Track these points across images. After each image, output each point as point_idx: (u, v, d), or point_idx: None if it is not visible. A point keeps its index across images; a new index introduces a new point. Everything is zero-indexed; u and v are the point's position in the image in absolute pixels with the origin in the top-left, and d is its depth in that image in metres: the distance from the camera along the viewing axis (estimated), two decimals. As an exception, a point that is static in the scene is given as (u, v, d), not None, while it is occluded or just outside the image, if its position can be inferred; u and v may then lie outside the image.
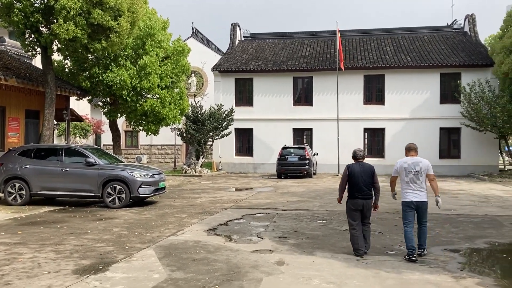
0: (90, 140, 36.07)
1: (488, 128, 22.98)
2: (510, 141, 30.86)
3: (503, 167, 26.45)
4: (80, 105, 30.14)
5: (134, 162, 29.62)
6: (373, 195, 7.10)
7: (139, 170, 12.45)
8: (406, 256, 6.66)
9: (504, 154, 27.44)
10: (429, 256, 6.87)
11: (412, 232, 6.74)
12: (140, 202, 12.56)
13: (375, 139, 26.58)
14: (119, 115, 21.17)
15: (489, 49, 26.34)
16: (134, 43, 19.68)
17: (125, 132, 36.54)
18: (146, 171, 12.63)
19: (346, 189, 7.19)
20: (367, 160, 7.95)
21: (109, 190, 11.94)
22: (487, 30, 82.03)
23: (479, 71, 25.20)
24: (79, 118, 23.68)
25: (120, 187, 11.92)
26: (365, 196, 7.00)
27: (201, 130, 23.84)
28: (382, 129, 26.26)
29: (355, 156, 7.29)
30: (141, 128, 21.89)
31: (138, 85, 19.31)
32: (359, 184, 6.99)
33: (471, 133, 24.80)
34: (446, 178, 22.53)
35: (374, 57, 26.98)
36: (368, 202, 7.04)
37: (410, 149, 7.18)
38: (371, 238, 7.23)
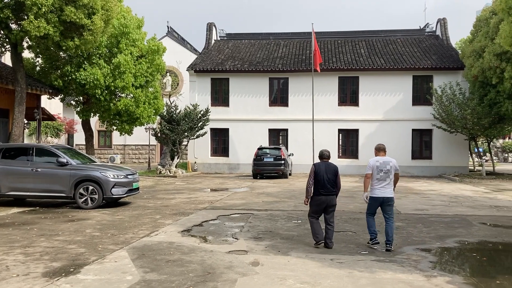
0: (62, 140, 35.38)
1: (459, 129, 23.53)
2: (480, 142, 31.68)
3: (472, 168, 27.12)
4: (52, 104, 29.52)
5: (107, 162, 29.20)
6: (336, 192, 7.62)
7: (113, 171, 12.27)
8: (370, 241, 7.46)
9: (473, 155, 28.13)
10: (401, 255, 6.98)
11: (374, 221, 7.57)
12: (113, 203, 12.37)
13: (349, 140, 26.89)
14: (92, 114, 20.82)
15: (459, 52, 26.98)
16: (108, 42, 19.39)
17: (98, 131, 35.98)
18: (120, 171, 12.45)
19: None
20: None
21: (81, 190, 11.72)
22: (458, 34, 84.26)
23: (450, 74, 25.80)
24: (50, 117, 23.19)
25: (92, 187, 11.72)
26: (328, 193, 7.49)
27: (176, 130, 23.66)
28: (356, 130, 26.59)
29: (321, 155, 7.78)
30: (115, 127, 21.60)
31: (112, 84, 19.03)
32: (323, 182, 7.45)
33: (442, 135, 25.36)
34: (418, 179, 22.98)
35: (348, 59, 27.30)
36: (331, 198, 7.52)
37: (380, 149, 7.74)
38: (343, 238, 7.39)
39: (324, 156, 7.74)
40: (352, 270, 6.14)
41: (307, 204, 7.78)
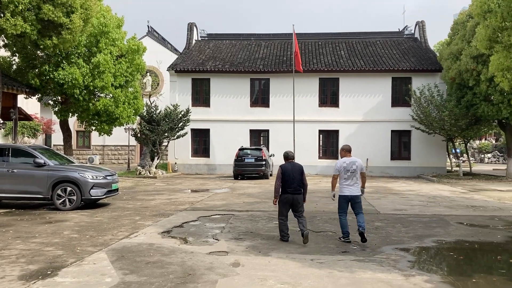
0: (39, 140, 34.76)
1: (437, 131, 23.91)
2: (457, 143, 32.25)
3: (450, 168, 27.59)
4: (29, 104, 28.96)
5: (86, 163, 28.81)
6: (303, 190, 8.05)
7: (91, 171, 12.11)
8: (342, 238, 7.93)
9: (451, 156, 28.62)
10: (381, 255, 7.06)
11: (346, 220, 8.02)
12: (92, 204, 12.22)
13: (329, 141, 27.07)
14: (70, 114, 20.51)
15: (437, 55, 27.45)
16: (87, 41, 19.14)
17: (77, 132, 35.49)
18: (99, 172, 12.29)
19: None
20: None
21: (59, 192, 11.54)
22: (436, 37, 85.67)
23: (429, 76, 26.21)
24: (27, 117, 22.74)
25: (71, 188, 11.55)
26: (295, 192, 7.91)
27: (156, 130, 23.47)
28: (337, 131, 26.79)
29: (287, 156, 8.28)
30: (94, 128, 21.32)
31: (91, 83, 18.78)
32: (290, 181, 7.88)
33: (420, 136, 25.74)
34: (397, 179, 23.29)
35: (329, 61, 27.50)
36: (298, 197, 7.93)
37: (346, 150, 8.24)
38: (323, 238, 7.45)
39: (289, 157, 8.23)
40: (332, 270, 6.19)
41: (275, 204, 8.18)
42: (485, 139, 49.29)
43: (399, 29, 32.78)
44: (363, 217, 8.02)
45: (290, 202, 7.91)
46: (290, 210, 8.05)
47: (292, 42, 26.26)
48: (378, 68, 26.34)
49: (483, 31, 13.36)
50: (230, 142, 26.27)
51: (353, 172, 7.90)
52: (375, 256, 6.95)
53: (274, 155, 25.12)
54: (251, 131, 27.19)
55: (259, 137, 27.56)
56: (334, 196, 8.34)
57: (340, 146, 26.40)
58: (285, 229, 8.00)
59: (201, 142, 27.71)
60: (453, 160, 28.21)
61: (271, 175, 23.89)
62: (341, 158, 8.21)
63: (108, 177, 12.33)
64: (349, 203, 8.04)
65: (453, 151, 28.76)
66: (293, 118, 25.07)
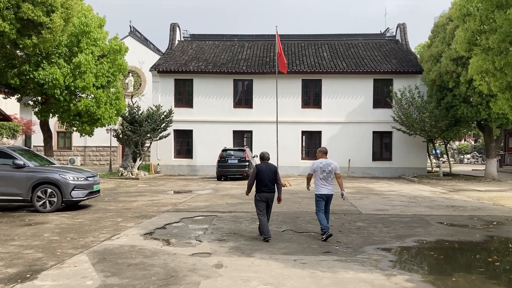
0: (19, 141, 34.16)
1: (417, 132, 24.23)
2: (437, 144, 32.72)
3: (430, 169, 27.99)
4: (8, 104, 28.47)
5: (67, 164, 28.42)
6: (277, 190, 8.58)
7: (72, 173, 11.96)
8: (323, 235, 8.24)
9: (431, 156, 29.03)
10: (363, 255, 7.13)
11: (324, 216, 8.45)
12: (73, 206, 12.07)
13: (312, 142, 27.21)
14: (51, 115, 20.21)
15: (418, 57, 27.82)
16: (68, 41, 18.89)
17: (58, 132, 34.99)
18: (80, 173, 12.14)
19: (255, 185, 8.46)
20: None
21: (39, 193, 11.37)
22: (417, 39, 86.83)
23: (410, 78, 26.54)
24: (6, 118, 22.24)
25: (51, 190, 11.38)
26: (270, 190, 8.42)
27: (138, 131, 23.29)
28: (319, 132, 26.95)
29: (262, 157, 8.74)
30: (75, 128, 21.04)
31: (72, 84, 18.54)
32: (265, 181, 8.37)
33: (401, 137, 26.05)
34: (378, 180, 23.53)
35: (311, 62, 27.65)
36: (272, 195, 8.48)
37: (322, 152, 8.84)
38: (306, 239, 7.57)
39: (264, 157, 8.72)
40: (315, 270, 6.22)
41: (248, 195, 8.99)
42: (465, 140, 50.15)
43: (380, 31, 33.14)
44: (329, 217, 8.69)
45: (266, 199, 8.42)
46: None
47: (275, 43, 26.34)
48: (360, 69, 26.58)
49: (463, 34, 13.59)
50: (213, 143, 26.21)
51: (328, 173, 8.45)
52: (357, 256, 7.02)
53: (257, 156, 25.11)
54: (234, 132, 27.17)
55: (242, 138, 27.55)
56: (308, 188, 9.00)
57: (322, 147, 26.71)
58: (266, 227, 8.34)
59: (184, 143, 27.58)
60: (434, 160, 28.63)
61: (254, 176, 23.85)
62: (318, 159, 8.71)
63: (89, 179, 12.19)
64: (325, 201, 8.53)
65: (433, 152, 29.18)
66: (276, 119, 25.08)
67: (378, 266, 6.48)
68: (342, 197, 8.75)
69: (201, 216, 10.99)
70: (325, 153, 8.84)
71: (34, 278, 5.77)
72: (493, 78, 12.87)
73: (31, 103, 20.84)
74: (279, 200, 8.75)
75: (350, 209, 12.23)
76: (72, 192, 11.52)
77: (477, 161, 43.86)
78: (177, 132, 27.11)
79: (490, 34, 12.22)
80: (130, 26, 36.74)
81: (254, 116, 26.89)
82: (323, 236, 8.20)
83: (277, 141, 24.69)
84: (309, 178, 8.81)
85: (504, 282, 5.83)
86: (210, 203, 13.35)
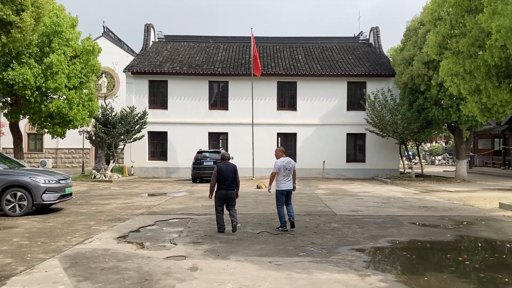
0: (-13, 143, 33.20)
1: (390, 134, 24.63)
2: (409, 146, 33.33)
3: (403, 170, 28.46)
4: (-25, 105, 27.63)
5: (38, 167, 27.77)
6: (235, 187, 9.19)
7: (43, 175, 11.69)
8: (280, 228, 9.14)
9: (404, 158, 29.51)
10: (337, 255, 7.19)
11: (283, 211, 9.27)
12: (44, 209, 11.80)
13: (287, 144, 27.34)
14: (21, 116, 19.76)
15: (391, 60, 28.29)
16: (39, 40, 18.51)
17: (28, 134, 34.21)
18: (51, 176, 11.88)
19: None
20: None
21: (8, 197, 11.06)
22: (389, 42, 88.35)
23: (382, 81, 26.99)
24: (-26, 119, 21.70)
25: (21, 193, 11.10)
26: (229, 188, 9.04)
27: (111, 133, 22.95)
28: (294, 134, 27.10)
29: (223, 157, 9.35)
30: (46, 130, 20.62)
31: (43, 85, 18.17)
32: (225, 179, 8.99)
33: (375, 139, 26.45)
34: (352, 181, 23.81)
35: (287, 65, 27.80)
36: (232, 192, 9.09)
37: (282, 151, 9.69)
38: (282, 240, 7.55)
39: (225, 157, 9.33)
40: (290, 271, 6.24)
41: (211, 198, 9.25)
42: (436, 142, 51.28)
43: (354, 34, 33.60)
44: (292, 208, 9.52)
45: (225, 197, 9.02)
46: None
47: (251, 45, 26.39)
48: (334, 72, 26.86)
49: (434, 38, 13.90)
50: (189, 145, 26.05)
51: (289, 170, 9.30)
52: (332, 257, 7.08)
53: (233, 158, 25.04)
54: (210, 133, 27.07)
55: (218, 140, 27.46)
56: (269, 190, 9.72)
57: (298, 148, 26.92)
58: (221, 221, 9.05)
59: (159, 145, 27.32)
60: (406, 162, 29.08)
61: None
62: (279, 158, 9.45)
63: (61, 181, 11.94)
64: (285, 196, 9.37)
65: (406, 153, 29.69)
66: (252, 121, 25.18)
67: (353, 266, 6.55)
68: (294, 189, 9.51)
69: (176, 218, 10.90)
70: (284, 152, 9.72)
71: (2, 284, 5.61)
72: (463, 81, 13.21)
73: (0, 104, 20.33)
74: (236, 196, 9.29)
75: (325, 210, 12.33)
76: (43, 195, 11.26)
77: (448, 163, 44.87)
78: (151, 134, 26.84)
79: (460, 38, 12.54)
80: (103, 26, 36.25)
81: (229, 118, 26.85)
82: (280, 228, 9.14)
83: (252, 143, 24.79)
84: (274, 177, 9.37)
85: (474, 281, 5.98)
86: (185, 206, 13.25)
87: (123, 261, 6.72)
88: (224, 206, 9.15)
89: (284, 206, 9.44)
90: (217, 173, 9.01)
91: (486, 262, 7.16)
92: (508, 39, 9.67)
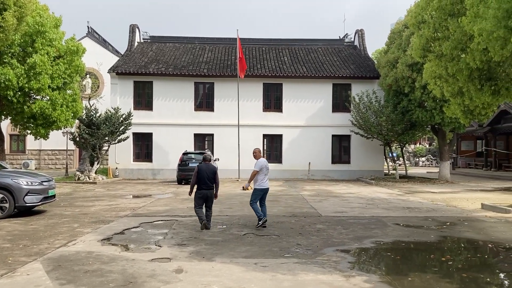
0: (-33, 144, 32.60)
1: (375, 135, 24.84)
2: (394, 147, 33.64)
3: (387, 171, 28.74)
4: (-44, 105, 27.15)
5: (21, 168, 27.36)
6: (214, 188, 9.68)
7: (26, 177, 11.51)
8: (259, 223, 9.55)
9: (388, 159, 29.82)
10: (322, 256, 7.22)
11: (258, 205, 9.77)
12: (26, 211, 11.62)
13: (273, 145, 27.41)
14: (3, 117, 19.49)
15: (376, 62, 28.56)
16: (22, 40, 18.27)
17: (11, 135, 33.73)
18: (34, 178, 11.71)
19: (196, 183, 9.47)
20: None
21: (-11, 199, 10.87)
22: (374, 45, 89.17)
23: (367, 83, 27.21)
24: (-46, 120, 21.30)
25: (3, 195, 10.91)
26: (208, 188, 9.54)
27: (96, 134, 22.73)
28: (280, 136, 27.16)
29: (204, 158, 9.71)
30: (29, 131, 20.37)
31: (26, 85, 17.93)
32: (204, 179, 9.46)
33: (359, 140, 26.64)
34: (337, 182, 23.94)
35: (272, 66, 27.87)
36: (211, 192, 9.60)
37: (260, 152, 10.21)
38: (267, 242, 7.58)
39: (206, 159, 9.70)
40: (276, 273, 6.25)
41: (190, 195, 9.76)
42: (420, 144, 51.85)
43: (339, 37, 33.81)
44: (266, 208, 10.06)
45: (205, 196, 9.50)
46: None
47: (236, 46, 26.39)
48: (319, 74, 27.01)
49: (418, 41, 14.07)
50: (174, 147, 25.93)
51: (268, 170, 9.92)
52: (317, 258, 7.10)
53: (218, 159, 25.03)
54: (196, 135, 26.98)
55: (203, 141, 27.39)
56: (247, 188, 10.21)
57: (283, 150, 26.99)
58: (201, 214, 9.50)
59: (144, 146, 27.15)
60: (390, 163, 29.39)
61: (215, 179, 23.75)
62: (258, 158, 9.91)
63: (44, 183, 11.77)
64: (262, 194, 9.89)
65: (390, 155, 29.96)
66: (238, 122, 25.17)
67: (337, 267, 6.58)
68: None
69: (161, 220, 10.84)
70: (261, 152, 10.38)
71: (-17, 288, 5.51)
72: (446, 83, 13.39)
73: (-19, 104, 20.01)
74: (215, 196, 9.72)
75: (310, 212, 12.38)
76: (26, 197, 11.09)
77: (431, 164, 45.42)
78: (136, 135, 26.66)
79: (443, 41, 12.71)
80: (88, 26, 36.00)
81: (215, 119, 26.81)
82: (260, 223, 9.53)
83: (238, 144, 24.78)
84: (255, 175, 9.80)
85: (457, 280, 6.06)
86: (170, 208, 13.18)
87: (107, 264, 6.66)
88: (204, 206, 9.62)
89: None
90: (197, 173, 9.43)
91: (469, 262, 7.26)
92: (490, 43, 9.84)
